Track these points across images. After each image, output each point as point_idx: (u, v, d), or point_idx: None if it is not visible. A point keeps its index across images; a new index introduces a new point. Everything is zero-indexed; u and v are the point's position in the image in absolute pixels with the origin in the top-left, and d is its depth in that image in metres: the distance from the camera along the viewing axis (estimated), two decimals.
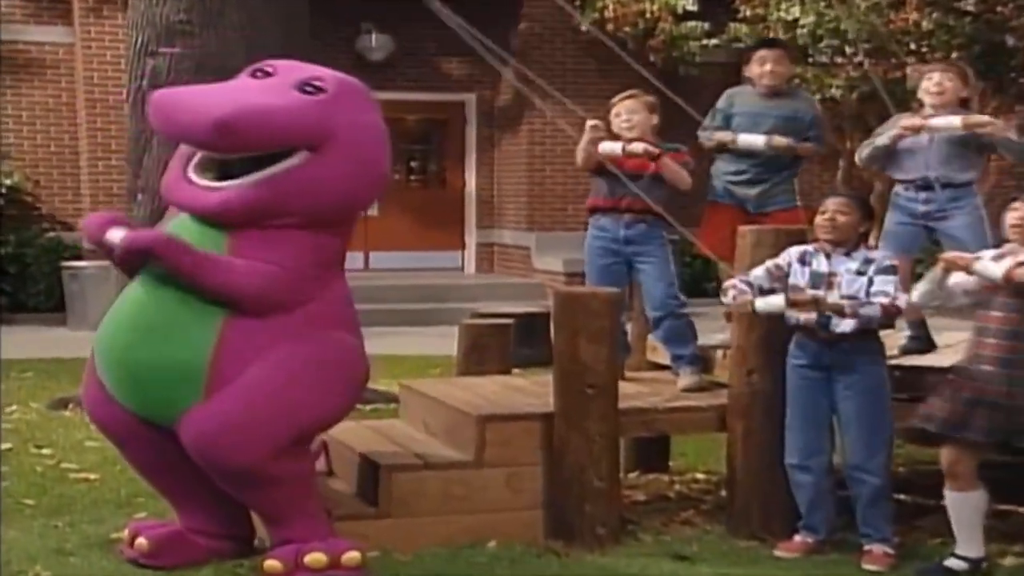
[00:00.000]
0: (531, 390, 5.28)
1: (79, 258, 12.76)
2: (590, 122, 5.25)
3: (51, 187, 13.33)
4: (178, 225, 3.86)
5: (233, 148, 3.67)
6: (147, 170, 7.08)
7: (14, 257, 12.77)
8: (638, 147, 5.21)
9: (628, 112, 5.36)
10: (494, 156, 14.86)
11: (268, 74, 3.89)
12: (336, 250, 3.97)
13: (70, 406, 7.49)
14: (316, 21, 7.85)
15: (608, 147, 5.23)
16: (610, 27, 12.69)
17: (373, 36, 13.87)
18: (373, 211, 14.45)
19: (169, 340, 3.74)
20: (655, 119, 5.38)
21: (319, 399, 3.86)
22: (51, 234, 13.13)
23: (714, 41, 13.18)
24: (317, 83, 3.83)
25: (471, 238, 15.03)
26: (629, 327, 5.58)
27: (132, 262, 3.80)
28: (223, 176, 3.77)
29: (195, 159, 3.83)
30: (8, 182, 12.80)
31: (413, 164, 14.91)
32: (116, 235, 3.76)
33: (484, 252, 15.00)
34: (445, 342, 8.56)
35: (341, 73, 4.00)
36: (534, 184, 14.04)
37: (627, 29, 13.00)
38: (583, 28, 12.67)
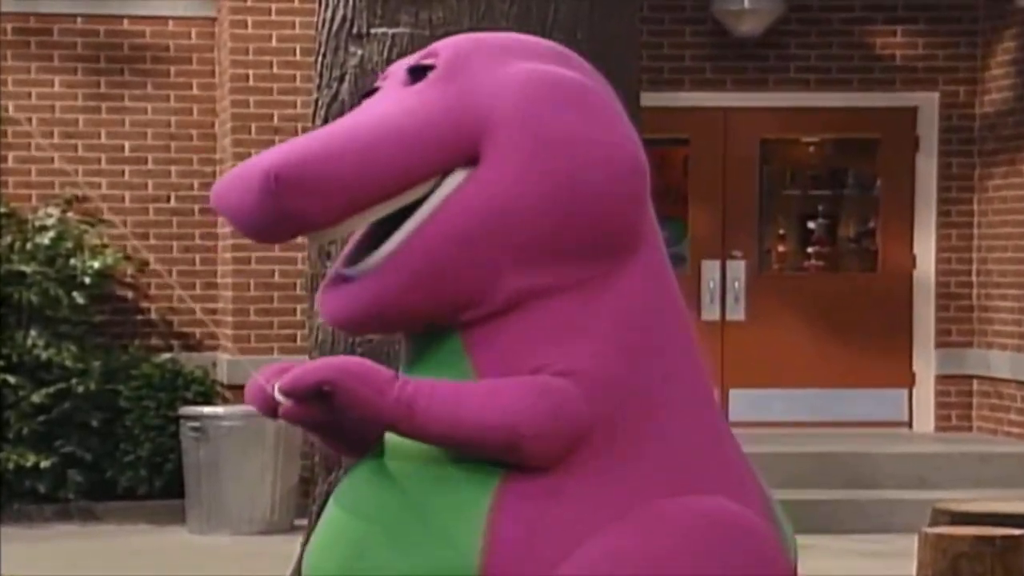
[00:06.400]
0: None
1: (209, 401, 13.28)
2: None
3: (167, 270, 13.83)
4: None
5: (295, 222, 4.10)
6: (341, 245, 7.44)
7: (99, 399, 13.13)
8: None
9: None
10: (974, 208, 14.85)
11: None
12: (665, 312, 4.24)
13: None
14: None
15: None
16: None
17: None
18: (737, 314, 14.64)
19: (420, 539, 4.02)
20: None
21: None
22: (164, 357, 13.62)
23: None
24: (426, 60, 4.25)
25: (926, 365, 15.05)
26: None
27: (326, 424, 4.15)
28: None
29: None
30: (96, 265, 13.12)
31: (811, 225, 14.99)
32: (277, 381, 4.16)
33: (953, 392, 14.97)
34: (883, 565, 8.57)
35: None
36: None
37: None
38: None
